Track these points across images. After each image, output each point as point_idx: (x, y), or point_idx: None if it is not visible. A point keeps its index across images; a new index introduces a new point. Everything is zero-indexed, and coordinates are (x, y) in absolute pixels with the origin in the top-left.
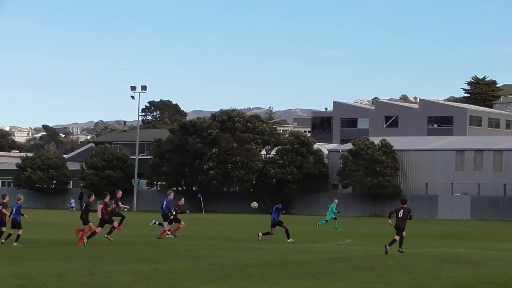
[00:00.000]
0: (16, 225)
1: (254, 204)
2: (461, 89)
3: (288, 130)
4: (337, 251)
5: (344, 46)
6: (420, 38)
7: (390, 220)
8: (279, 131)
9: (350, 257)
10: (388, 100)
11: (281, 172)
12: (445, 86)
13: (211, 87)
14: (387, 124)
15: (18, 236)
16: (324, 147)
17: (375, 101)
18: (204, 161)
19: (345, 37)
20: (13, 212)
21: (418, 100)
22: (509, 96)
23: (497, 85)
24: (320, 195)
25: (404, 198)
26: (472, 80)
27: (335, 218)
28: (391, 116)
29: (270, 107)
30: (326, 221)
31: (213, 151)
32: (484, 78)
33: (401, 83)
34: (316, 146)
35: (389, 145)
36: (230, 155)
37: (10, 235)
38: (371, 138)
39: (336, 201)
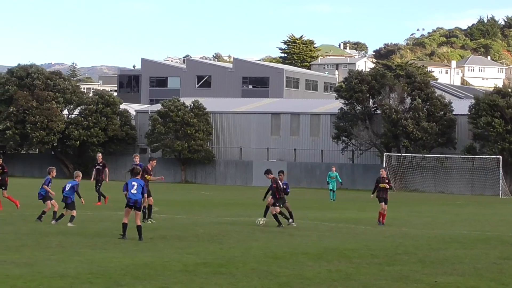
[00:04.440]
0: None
1: (262, 221)
2: (278, 49)
3: (92, 89)
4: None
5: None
6: None
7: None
8: (82, 90)
9: (157, 226)
10: (201, 58)
11: (85, 134)
12: (261, 45)
13: (8, 40)
14: (199, 84)
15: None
16: (131, 108)
17: (186, 59)
18: (0, 120)
19: None
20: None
21: (232, 60)
22: (327, 57)
23: (315, 45)
24: (127, 159)
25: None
26: (289, 39)
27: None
28: (204, 75)
29: (73, 63)
30: (333, 191)
31: (11, 109)
32: (301, 37)
33: (214, 41)
34: (122, 106)
35: (201, 106)
36: (29, 114)
37: (62, 215)
38: (182, 99)
39: (334, 168)
